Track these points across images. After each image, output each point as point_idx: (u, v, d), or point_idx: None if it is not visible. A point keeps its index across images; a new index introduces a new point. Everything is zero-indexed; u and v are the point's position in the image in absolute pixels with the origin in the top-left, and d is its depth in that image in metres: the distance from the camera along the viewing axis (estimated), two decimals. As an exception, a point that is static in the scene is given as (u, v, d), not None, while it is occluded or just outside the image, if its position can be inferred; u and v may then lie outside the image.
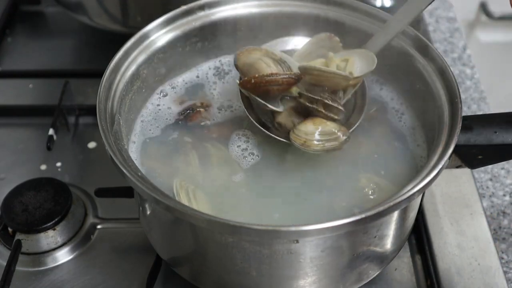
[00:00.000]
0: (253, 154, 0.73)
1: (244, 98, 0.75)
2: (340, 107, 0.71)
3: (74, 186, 0.88)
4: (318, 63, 0.75)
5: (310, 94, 0.71)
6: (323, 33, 0.78)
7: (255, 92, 0.72)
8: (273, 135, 0.72)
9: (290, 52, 0.79)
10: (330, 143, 0.70)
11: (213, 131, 0.76)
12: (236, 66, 0.75)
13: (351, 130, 0.72)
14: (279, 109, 0.73)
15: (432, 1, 0.71)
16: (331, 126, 0.71)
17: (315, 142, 0.70)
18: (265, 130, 0.73)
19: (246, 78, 0.72)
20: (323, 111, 0.71)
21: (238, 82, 0.73)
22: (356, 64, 0.74)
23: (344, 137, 0.70)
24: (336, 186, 0.71)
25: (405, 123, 0.76)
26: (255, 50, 0.76)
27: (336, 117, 0.71)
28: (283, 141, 0.72)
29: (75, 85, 1.01)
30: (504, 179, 0.92)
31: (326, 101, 0.71)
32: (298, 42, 0.82)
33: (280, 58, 0.75)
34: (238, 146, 0.74)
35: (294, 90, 0.73)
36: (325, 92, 0.72)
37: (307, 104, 0.71)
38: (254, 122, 0.73)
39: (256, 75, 0.71)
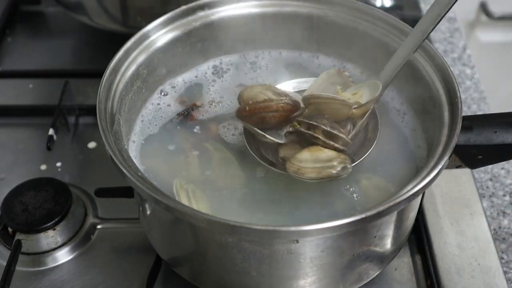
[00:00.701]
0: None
1: (248, 134, 0.73)
2: (341, 135, 0.69)
3: (74, 186, 0.88)
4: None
5: (309, 120, 0.69)
6: (331, 69, 0.77)
7: (252, 121, 0.71)
8: (273, 168, 0.70)
9: (301, 93, 0.77)
10: (326, 171, 0.67)
11: (213, 131, 0.76)
12: (239, 101, 0.74)
13: (355, 163, 0.69)
14: (280, 140, 0.71)
15: (436, 26, 0.71)
16: (327, 154, 0.68)
17: (309, 170, 0.67)
18: (265, 164, 0.70)
19: (240, 107, 0.71)
20: (322, 138, 0.68)
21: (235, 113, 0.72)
22: (365, 96, 0.73)
23: (341, 166, 0.68)
24: (336, 185, 0.71)
25: (407, 124, 0.76)
26: (258, 86, 0.75)
27: (336, 145, 0.68)
28: (283, 173, 0.69)
29: (75, 85, 1.01)
30: (504, 179, 0.92)
31: (324, 127, 0.68)
32: (310, 83, 0.79)
33: (282, 92, 0.74)
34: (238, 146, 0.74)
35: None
36: (324, 119, 0.70)
37: (303, 130, 0.69)
38: (255, 156, 0.71)
39: (250, 102, 0.70)
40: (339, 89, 0.74)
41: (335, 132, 0.68)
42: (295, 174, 0.68)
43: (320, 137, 0.68)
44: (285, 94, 0.73)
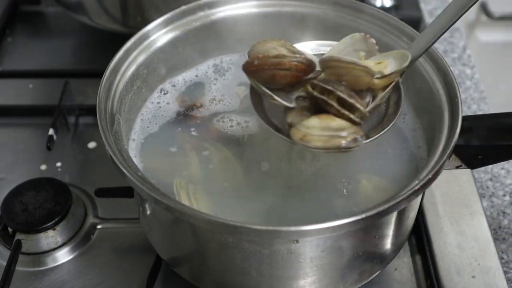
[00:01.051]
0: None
1: (254, 95, 0.68)
2: (358, 105, 0.62)
3: (74, 186, 0.88)
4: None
5: (324, 84, 0.62)
6: (357, 33, 0.70)
7: (260, 78, 0.63)
8: (279, 134, 0.66)
9: (319, 56, 0.71)
10: (334, 140, 0.61)
11: (213, 131, 0.76)
12: (248, 55, 0.69)
13: (370, 140, 0.64)
14: (289, 104, 0.64)
15: (476, 2, 0.64)
16: (339, 123, 0.62)
17: (316, 137, 0.61)
18: (272, 129, 0.66)
19: (249, 59, 0.63)
20: (336, 105, 0.62)
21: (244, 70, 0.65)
22: (390, 66, 0.66)
23: (352, 137, 0.61)
24: (336, 185, 0.71)
25: (408, 124, 0.76)
26: (272, 40, 0.68)
27: (351, 116, 0.62)
28: (288, 140, 0.65)
29: (75, 85, 1.01)
30: (504, 179, 0.92)
31: (341, 94, 0.61)
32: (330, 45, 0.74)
33: (298, 51, 0.66)
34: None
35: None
36: (341, 85, 0.63)
37: (317, 94, 0.63)
38: (262, 120, 0.67)
39: (260, 55, 0.63)
40: (362, 56, 0.68)
41: (351, 101, 0.62)
42: (300, 141, 0.62)
43: (334, 104, 0.62)
44: (301, 53, 0.66)
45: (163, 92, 0.80)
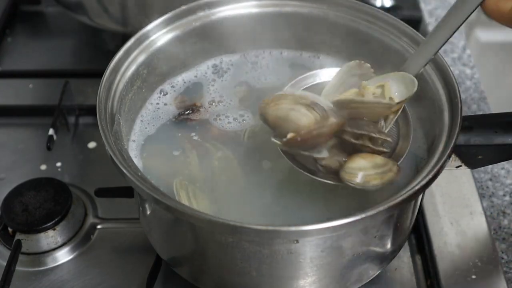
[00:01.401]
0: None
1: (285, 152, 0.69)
2: (388, 138, 0.67)
3: (74, 186, 0.88)
4: (352, 94, 0.70)
5: (354, 129, 0.66)
6: (352, 61, 0.73)
7: (301, 149, 0.66)
8: (321, 179, 0.67)
9: (317, 86, 0.75)
10: (387, 174, 0.65)
11: (213, 131, 0.76)
12: (264, 120, 0.69)
13: (400, 161, 0.68)
14: (325, 155, 0.67)
15: (473, 12, 0.66)
16: (380, 158, 0.66)
17: (373, 176, 0.65)
18: (311, 175, 0.67)
19: (291, 136, 0.65)
20: (371, 145, 0.66)
21: (277, 141, 0.66)
22: (393, 88, 0.70)
23: (396, 168, 0.65)
24: (336, 185, 0.71)
25: (407, 124, 0.76)
26: (281, 98, 0.68)
27: (385, 150, 0.67)
28: (331, 183, 0.67)
29: (75, 85, 1.01)
30: (504, 179, 0.92)
31: (373, 134, 0.65)
32: (323, 75, 0.76)
33: (311, 101, 0.67)
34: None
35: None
36: (370, 125, 0.67)
37: (353, 141, 0.66)
38: (300, 170, 0.68)
39: (302, 132, 0.65)
40: (365, 84, 0.70)
41: (382, 137, 0.66)
42: (362, 184, 0.65)
43: (370, 145, 0.66)
44: (316, 104, 0.67)
45: (162, 93, 0.80)
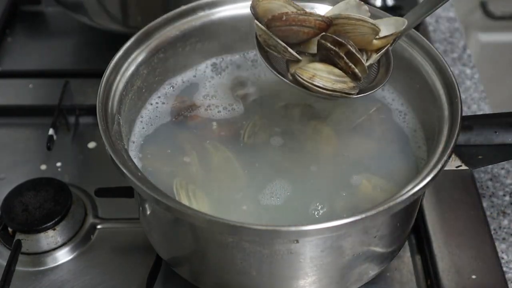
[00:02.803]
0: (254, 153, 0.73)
1: (261, 49, 0.70)
2: (362, 60, 0.66)
3: (74, 186, 0.88)
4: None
5: (337, 36, 0.65)
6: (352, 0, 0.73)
7: (279, 32, 0.66)
8: (286, 80, 0.67)
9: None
10: (339, 84, 0.65)
11: (213, 131, 0.76)
12: (255, 13, 0.70)
13: (362, 95, 0.68)
14: (299, 56, 0.68)
15: None
16: (339, 71, 0.66)
17: (324, 78, 0.65)
18: (277, 74, 0.68)
19: (277, 14, 0.65)
20: (345, 58, 0.65)
21: (260, 23, 0.67)
22: (383, 28, 0.70)
23: (352, 85, 0.65)
24: (336, 185, 0.71)
25: (408, 124, 0.76)
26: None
27: (356, 70, 0.66)
28: (294, 86, 0.67)
29: (75, 85, 1.01)
30: (504, 179, 0.92)
31: (350, 47, 0.65)
32: (318, 8, 0.77)
33: (302, 8, 0.70)
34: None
35: (311, 48, 0.69)
36: (351, 42, 0.66)
37: (329, 45, 0.65)
38: (268, 66, 0.69)
39: (289, 12, 0.66)
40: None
41: (358, 56, 0.65)
42: (309, 80, 0.65)
43: (344, 56, 0.65)
44: (308, 12, 0.69)
45: (162, 93, 0.80)
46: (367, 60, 0.70)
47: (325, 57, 0.67)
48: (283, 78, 0.68)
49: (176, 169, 0.72)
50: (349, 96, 0.66)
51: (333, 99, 0.67)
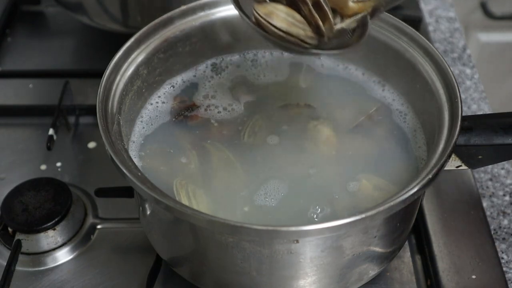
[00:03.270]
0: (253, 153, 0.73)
1: None
2: (330, 16, 0.62)
3: (74, 186, 0.88)
4: None
5: None
6: None
7: None
8: (247, 20, 0.64)
9: None
10: (295, 28, 0.61)
11: (212, 131, 0.76)
12: None
13: (323, 52, 0.65)
14: None
15: None
16: (300, 17, 0.62)
17: (281, 18, 0.61)
18: (242, 14, 0.65)
19: None
20: (310, 5, 0.62)
21: None
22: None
23: (311, 34, 0.62)
24: (336, 185, 0.71)
25: (408, 124, 0.76)
26: None
27: (319, 23, 0.62)
28: (254, 27, 0.64)
29: (75, 85, 1.01)
30: (504, 179, 0.92)
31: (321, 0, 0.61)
32: None
33: None
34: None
35: None
36: None
37: None
38: (234, 5, 0.66)
39: None
40: None
41: (327, 9, 0.62)
42: (264, 16, 0.62)
43: (309, 3, 0.62)
44: None
45: (162, 93, 0.80)
46: (340, 23, 0.66)
47: (292, 2, 0.64)
48: (246, 18, 0.65)
49: (176, 169, 0.72)
50: (304, 45, 0.62)
51: (288, 46, 0.63)
